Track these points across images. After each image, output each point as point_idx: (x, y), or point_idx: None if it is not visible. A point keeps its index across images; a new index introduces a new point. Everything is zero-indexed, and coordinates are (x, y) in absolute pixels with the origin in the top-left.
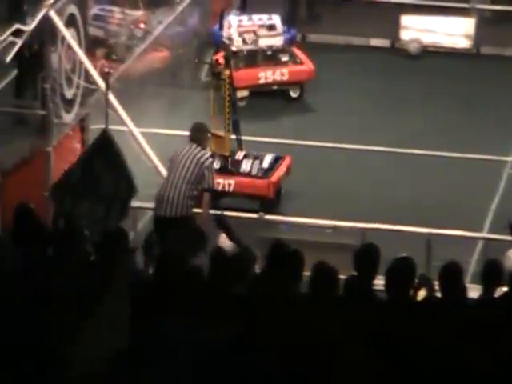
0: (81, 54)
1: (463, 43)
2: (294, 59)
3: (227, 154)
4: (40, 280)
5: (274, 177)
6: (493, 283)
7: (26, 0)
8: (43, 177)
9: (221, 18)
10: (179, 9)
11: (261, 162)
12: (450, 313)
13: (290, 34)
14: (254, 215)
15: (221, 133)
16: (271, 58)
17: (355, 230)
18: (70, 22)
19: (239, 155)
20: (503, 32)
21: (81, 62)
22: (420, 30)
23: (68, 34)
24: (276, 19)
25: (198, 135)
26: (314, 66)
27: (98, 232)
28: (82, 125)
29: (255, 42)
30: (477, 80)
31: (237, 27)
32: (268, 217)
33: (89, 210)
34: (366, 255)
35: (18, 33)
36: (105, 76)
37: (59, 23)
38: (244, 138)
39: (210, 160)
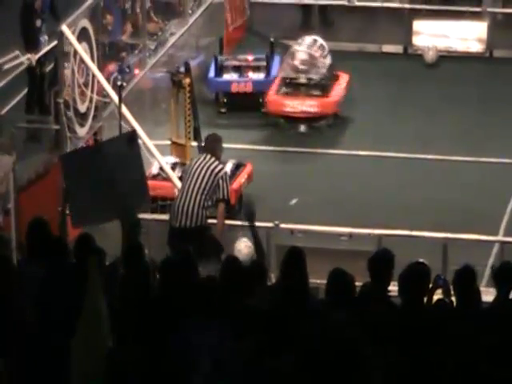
0: (94, 68)
1: (476, 47)
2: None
3: (188, 161)
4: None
5: (236, 184)
6: (508, 285)
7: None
8: (58, 191)
9: (215, 62)
10: (191, 20)
11: None
12: (464, 316)
13: None
14: (270, 224)
15: (182, 141)
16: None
17: (371, 236)
18: (83, 35)
19: None
20: None
21: (94, 76)
22: (432, 35)
23: (80, 48)
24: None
25: (213, 145)
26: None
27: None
28: (95, 138)
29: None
30: (491, 83)
31: (308, 56)
32: (284, 225)
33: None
34: (380, 261)
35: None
36: (118, 89)
37: (72, 38)
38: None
39: (225, 170)
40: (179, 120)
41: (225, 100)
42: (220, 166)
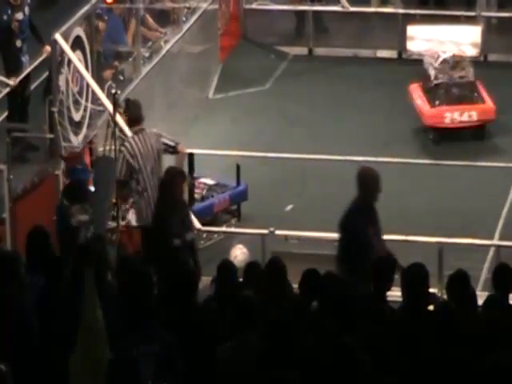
0: (88, 77)
1: (470, 51)
2: None
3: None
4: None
5: None
6: (506, 287)
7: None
8: (53, 200)
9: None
10: (185, 27)
11: None
12: (461, 320)
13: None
14: (265, 230)
15: None
16: None
17: None
18: (77, 44)
19: None
20: (510, 39)
21: (88, 85)
22: (427, 39)
23: (74, 57)
24: None
25: (138, 112)
26: None
27: None
28: (90, 147)
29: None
30: (486, 87)
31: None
32: (279, 232)
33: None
34: (381, 267)
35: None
36: (112, 97)
37: (65, 46)
38: None
39: (158, 133)
40: None
41: None
42: (157, 136)
